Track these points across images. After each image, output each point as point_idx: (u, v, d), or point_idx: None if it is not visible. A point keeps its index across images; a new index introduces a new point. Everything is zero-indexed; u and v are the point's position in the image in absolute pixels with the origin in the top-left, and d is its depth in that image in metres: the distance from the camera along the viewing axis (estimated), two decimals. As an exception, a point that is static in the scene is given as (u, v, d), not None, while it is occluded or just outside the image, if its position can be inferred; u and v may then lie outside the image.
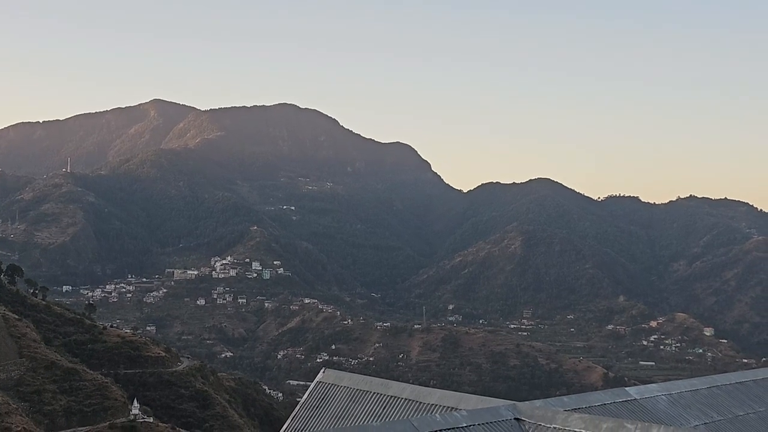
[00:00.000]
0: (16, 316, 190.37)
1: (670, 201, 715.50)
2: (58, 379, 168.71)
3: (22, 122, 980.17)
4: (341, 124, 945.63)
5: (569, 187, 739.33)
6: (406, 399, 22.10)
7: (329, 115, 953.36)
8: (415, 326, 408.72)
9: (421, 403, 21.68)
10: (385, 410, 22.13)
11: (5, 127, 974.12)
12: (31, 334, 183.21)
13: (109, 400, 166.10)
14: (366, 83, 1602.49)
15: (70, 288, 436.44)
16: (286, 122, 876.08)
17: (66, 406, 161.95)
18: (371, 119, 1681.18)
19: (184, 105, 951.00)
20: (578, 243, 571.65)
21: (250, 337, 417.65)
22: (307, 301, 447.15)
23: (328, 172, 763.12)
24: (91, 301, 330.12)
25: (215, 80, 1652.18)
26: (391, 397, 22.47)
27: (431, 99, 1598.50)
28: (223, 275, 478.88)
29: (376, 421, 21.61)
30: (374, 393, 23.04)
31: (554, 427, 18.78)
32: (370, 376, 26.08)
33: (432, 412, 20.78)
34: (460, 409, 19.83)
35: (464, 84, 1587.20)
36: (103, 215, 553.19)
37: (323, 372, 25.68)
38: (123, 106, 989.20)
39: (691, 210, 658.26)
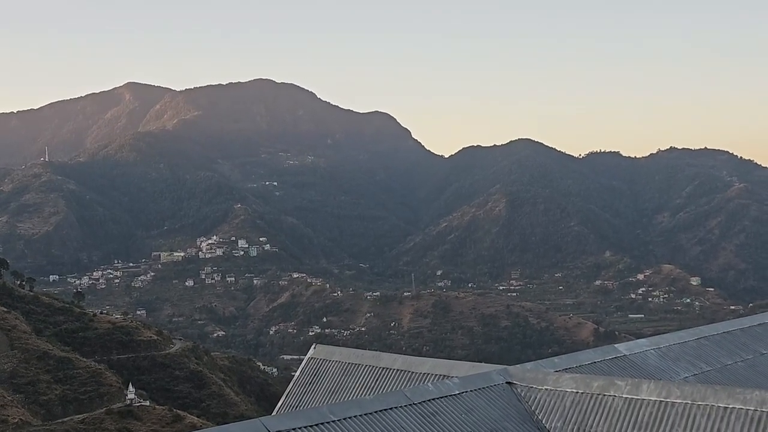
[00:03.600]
0: (5, 309, 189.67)
1: (651, 154, 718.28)
2: (51, 369, 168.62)
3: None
4: (319, 96, 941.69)
5: (550, 146, 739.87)
6: (398, 370, 22.28)
7: (306, 88, 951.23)
8: (405, 294, 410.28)
9: (413, 372, 21.85)
10: (378, 382, 22.29)
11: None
12: (21, 326, 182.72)
13: (104, 386, 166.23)
14: (341, 54, 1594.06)
15: (57, 277, 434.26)
16: (263, 98, 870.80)
17: (61, 395, 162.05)
18: (349, 90, 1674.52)
19: (159, 86, 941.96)
20: (562, 201, 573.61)
21: (241, 315, 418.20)
22: (295, 275, 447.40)
23: (308, 145, 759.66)
24: (79, 289, 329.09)
25: (189, 59, 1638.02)
26: (383, 368, 22.64)
27: (408, 66, 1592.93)
28: (210, 255, 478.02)
29: (369, 394, 21.77)
30: (366, 366, 23.20)
31: (546, 389, 18.99)
32: (362, 346, 26.26)
33: (424, 381, 20.95)
34: (452, 377, 20.00)
35: (440, 49, 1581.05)
36: (85, 202, 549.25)
37: (314, 347, 25.82)
38: (97, 92, 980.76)
39: (672, 161, 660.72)
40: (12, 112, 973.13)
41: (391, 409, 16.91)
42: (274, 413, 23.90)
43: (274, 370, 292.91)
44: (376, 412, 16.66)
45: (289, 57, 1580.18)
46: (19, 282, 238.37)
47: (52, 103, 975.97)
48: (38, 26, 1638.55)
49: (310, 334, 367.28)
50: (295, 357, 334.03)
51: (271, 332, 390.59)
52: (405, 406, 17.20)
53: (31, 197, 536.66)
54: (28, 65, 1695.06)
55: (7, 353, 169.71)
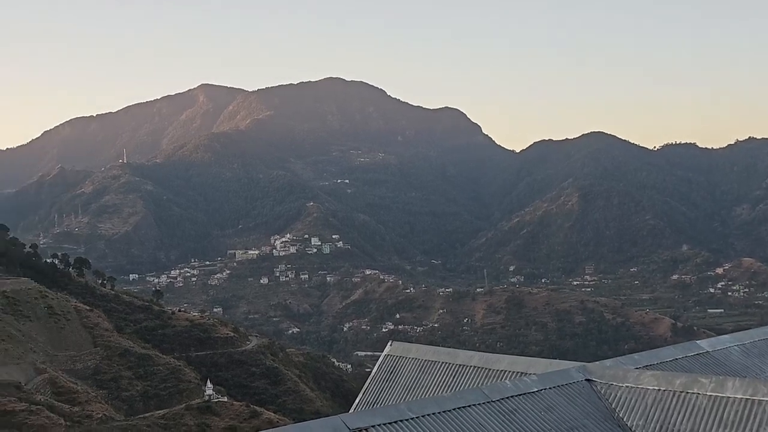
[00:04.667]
0: (88, 307, 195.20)
1: (729, 145, 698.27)
2: (132, 366, 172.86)
3: (77, 117, 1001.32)
4: (389, 93, 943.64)
5: (624, 138, 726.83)
6: (474, 367, 22.17)
7: (376, 85, 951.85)
8: (478, 290, 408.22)
9: (490, 369, 21.73)
10: (454, 379, 22.24)
11: (61, 124, 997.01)
12: (103, 324, 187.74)
13: (183, 382, 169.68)
14: (411, 51, 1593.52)
15: (137, 276, 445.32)
16: (334, 96, 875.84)
17: (142, 391, 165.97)
18: (418, 87, 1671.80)
19: (233, 87, 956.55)
20: (637, 195, 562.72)
21: (315, 312, 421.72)
22: (368, 272, 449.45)
23: (379, 142, 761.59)
24: (157, 288, 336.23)
25: (261, 60, 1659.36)
26: (460, 365, 22.56)
27: (478, 61, 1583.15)
28: (283, 253, 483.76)
29: (446, 391, 21.73)
30: (443, 363, 23.16)
31: (627, 386, 18.69)
32: (435, 342, 26.22)
33: (502, 378, 20.83)
34: (530, 374, 19.84)
35: (510, 43, 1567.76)
36: (162, 203, 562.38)
37: (390, 344, 25.87)
38: (173, 94, 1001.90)
39: (752, 152, 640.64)
40: (91, 116, 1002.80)
41: (469, 406, 16.86)
42: (351, 410, 24.04)
43: (349, 366, 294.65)
44: (454, 409, 16.63)
45: (358, 55, 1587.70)
46: (100, 281, 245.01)
47: (129, 106, 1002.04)
48: (115, 31, 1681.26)
49: (383, 330, 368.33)
50: (368, 353, 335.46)
51: (344, 329, 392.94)
52: (483, 403, 17.14)
53: (110, 198, 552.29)
54: (105, 70, 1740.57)
55: (91, 350, 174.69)
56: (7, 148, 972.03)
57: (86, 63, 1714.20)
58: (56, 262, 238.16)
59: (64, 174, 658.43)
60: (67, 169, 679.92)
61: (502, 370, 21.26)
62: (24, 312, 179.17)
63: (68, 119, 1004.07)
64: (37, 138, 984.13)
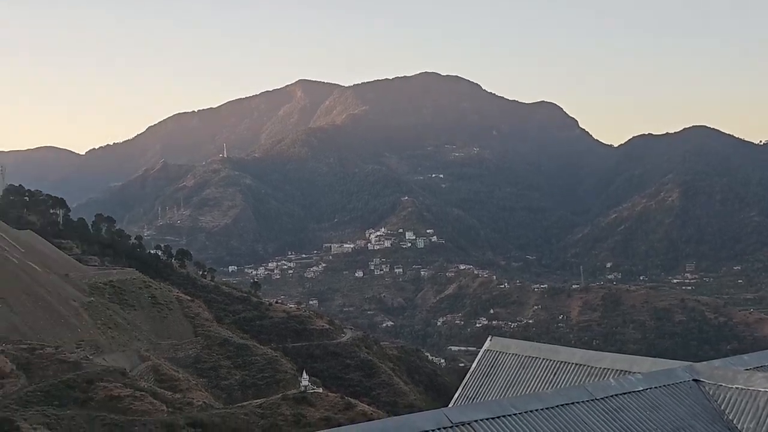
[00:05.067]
0: (189, 297, 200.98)
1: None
2: (231, 355, 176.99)
3: (179, 113, 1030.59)
4: (483, 88, 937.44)
5: (727, 133, 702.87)
6: (576, 364, 21.93)
7: (471, 80, 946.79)
8: (573, 286, 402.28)
9: (592, 367, 21.46)
10: (556, 376, 22.04)
11: (164, 119, 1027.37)
12: (203, 314, 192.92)
13: (280, 372, 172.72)
14: (506, 45, 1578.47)
15: (236, 268, 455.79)
16: (429, 91, 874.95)
17: (241, 380, 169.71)
18: (514, 81, 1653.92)
19: (329, 83, 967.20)
20: (741, 190, 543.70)
21: (408, 306, 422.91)
22: (462, 267, 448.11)
23: (473, 137, 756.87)
24: (255, 279, 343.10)
25: (356, 56, 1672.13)
26: (562, 362, 22.35)
27: (574, 55, 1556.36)
28: (378, 247, 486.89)
29: (547, 388, 21.56)
30: (543, 359, 22.97)
31: (737, 388, 18.17)
32: (530, 338, 26.02)
33: (604, 376, 20.55)
34: (635, 373, 19.51)
35: (608, 35, 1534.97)
36: (261, 196, 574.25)
37: (490, 340, 25.80)
38: (271, 90, 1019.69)
39: None
40: (193, 112, 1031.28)
41: (573, 404, 16.69)
42: (450, 405, 24.11)
43: (442, 360, 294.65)
44: (557, 406, 16.48)
45: (453, 50, 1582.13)
46: (201, 272, 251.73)
47: (229, 102, 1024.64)
48: (216, 30, 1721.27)
49: (477, 325, 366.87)
50: (462, 348, 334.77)
51: (438, 323, 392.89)
52: (587, 401, 16.94)
53: (211, 192, 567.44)
54: (207, 67, 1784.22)
55: (192, 339, 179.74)
56: (114, 143, 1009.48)
57: (188, 61, 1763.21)
58: (159, 254, 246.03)
59: (167, 168, 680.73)
60: (170, 163, 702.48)
61: (604, 368, 20.96)
62: (129, 301, 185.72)
63: (171, 115, 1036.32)
64: (141, 133, 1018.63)
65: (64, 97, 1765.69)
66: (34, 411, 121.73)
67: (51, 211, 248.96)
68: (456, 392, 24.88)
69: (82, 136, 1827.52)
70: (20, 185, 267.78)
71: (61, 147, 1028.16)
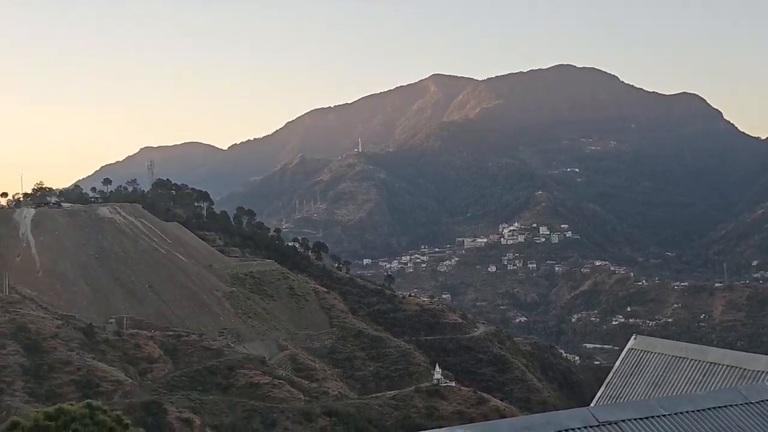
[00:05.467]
0: (325, 289, 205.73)
1: None
2: (365, 347, 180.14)
3: (316, 109, 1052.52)
4: (621, 79, 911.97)
5: None
6: (727, 366, 21.22)
7: (608, 71, 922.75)
8: (716, 285, 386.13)
9: (744, 369, 20.71)
10: (704, 378, 21.40)
11: (302, 115, 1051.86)
12: (339, 305, 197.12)
13: (413, 365, 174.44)
14: (644, 35, 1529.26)
15: (370, 261, 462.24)
16: (564, 83, 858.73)
17: (374, 372, 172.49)
18: (653, 72, 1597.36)
19: (463, 77, 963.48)
20: None
21: (542, 302, 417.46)
22: (598, 263, 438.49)
23: (611, 130, 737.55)
24: (389, 273, 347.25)
25: (491, 49, 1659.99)
26: (711, 363, 21.67)
27: (718, 44, 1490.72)
28: (511, 241, 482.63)
29: (696, 389, 20.98)
30: (691, 360, 22.34)
31: None
32: (669, 337, 25.29)
33: (758, 379, 19.80)
34: (792, 377, 18.71)
35: (752, 24, 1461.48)
36: (395, 190, 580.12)
37: (634, 338, 25.30)
38: (404, 84, 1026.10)
39: None
40: (329, 107, 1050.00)
41: (725, 407, 16.13)
42: (593, 403, 23.79)
43: (577, 358, 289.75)
44: (708, 408, 16.00)
45: (590, 41, 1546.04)
46: (336, 264, 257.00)
47: (364, 97, 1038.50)
48: (351, 28, 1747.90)
49: (613, 323, 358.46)
50: (597, 346, 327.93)
51: (572, 320, 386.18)
52: (741, 404, 16.34)
53: (346, 186, 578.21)
54: (342, 64, 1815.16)
55: (327, 330, 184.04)
56: (255, 139, 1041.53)
57: (325, 57, 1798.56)
58: (297, 246, 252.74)
59: (305, 163, 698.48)
60: (307, 158, 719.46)
61: (758, 371, 20.17)
62: (268, 292, 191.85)
63: (308, 111, 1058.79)
64: (280, 129, 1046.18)
65: (209, 94, 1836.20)
66: (180, 395, 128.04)
67: (196, 204, 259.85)
68: (598, 391, 24.53)
69: (225, 132, 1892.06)
70: (167, 179, 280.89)
71: (205, 142, 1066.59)
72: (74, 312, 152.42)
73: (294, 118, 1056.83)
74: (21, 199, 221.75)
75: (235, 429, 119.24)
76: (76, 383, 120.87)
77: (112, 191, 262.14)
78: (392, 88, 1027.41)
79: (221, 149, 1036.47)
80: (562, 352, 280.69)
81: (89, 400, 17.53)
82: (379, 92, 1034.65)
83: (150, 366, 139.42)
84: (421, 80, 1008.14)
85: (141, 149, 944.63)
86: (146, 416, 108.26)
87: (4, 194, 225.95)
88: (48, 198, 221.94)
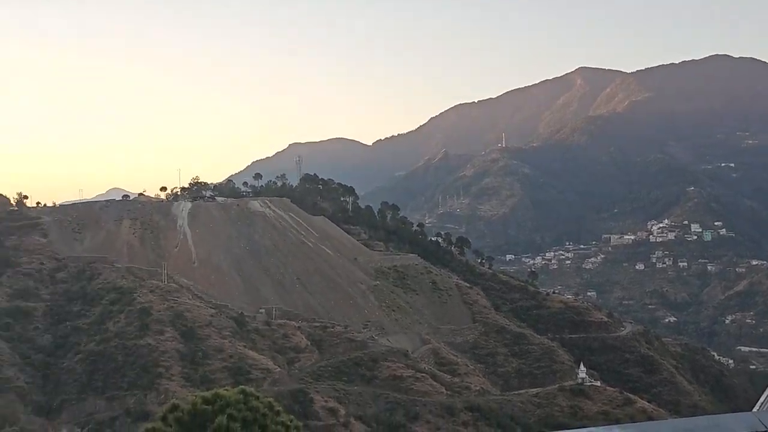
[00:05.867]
0: (467, 284, 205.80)
1: None
2: (508, 343, 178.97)
3: (460, 104, 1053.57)
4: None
5: None
6: None
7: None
8: None
9: None
10: None
11: (446, 110, 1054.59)
12: (481, 301, 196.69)
13: (557, 363, 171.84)
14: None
15: (513, 257, 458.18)
16: (719, 75, 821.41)
17: (517, 369, 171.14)
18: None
19: (610, 70, 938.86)
20: None
21: (693, 302, 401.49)
22: (754, 262, 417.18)
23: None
24: (532, 269, 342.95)
25: (640, 41, 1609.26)
26: None
27: None
28: (660, 239, 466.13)
29: None
30: None
31: None
32: None
33: None
34: None
35: None
36: (539, 185, 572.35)
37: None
38: (550, 78, 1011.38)
39: None
40: (473, 102, 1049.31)
41: None
42: (755, 409, 22.87)
43: (730, 361, 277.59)
44: None
45: (749, 29, 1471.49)
46: (479, 260, 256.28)
47: (508, 91, 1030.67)
48: (493, 20, 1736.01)
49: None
50: (753, 349, 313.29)
51: (726, 321, 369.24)
52: None
53: (489, 181, 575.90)
54: (487, 58, 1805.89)
55: (470, 326, 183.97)
56: (399, 134, 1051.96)
57: (469, 53, 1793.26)
58: (439, 241, 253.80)
59: (448, 158, 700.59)
60: (451, 153, 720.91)
61: None
62: (411, 286, 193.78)
63: (452, 106, 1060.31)
64: (424, 124, 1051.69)
65: (354, 91, 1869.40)
66: (325, 385, 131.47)
67: (341, 198, 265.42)
68: (761, 396, 23.53)
69: (369, 128, 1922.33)
70: (315, 174, 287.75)
71: (350, 138, 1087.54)
72: (227, 301, 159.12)
73: (438, 114, 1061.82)
74: (179, 193, 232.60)
75: (379, 420, 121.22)
76: (229, 370, 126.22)
77: (262, 186, 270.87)
78: (537, 82, 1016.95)
79: (366, 145, 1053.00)
80: (715, 354, 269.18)
81: (243, 386, 18.41)
82: (523, 86, 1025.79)
83: (297, 355, 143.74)
84: (567, 73, 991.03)
85: (289, 145, 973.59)
86: (293, 404, 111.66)
87: (164, 188, 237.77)
88: (203, 192, 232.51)
